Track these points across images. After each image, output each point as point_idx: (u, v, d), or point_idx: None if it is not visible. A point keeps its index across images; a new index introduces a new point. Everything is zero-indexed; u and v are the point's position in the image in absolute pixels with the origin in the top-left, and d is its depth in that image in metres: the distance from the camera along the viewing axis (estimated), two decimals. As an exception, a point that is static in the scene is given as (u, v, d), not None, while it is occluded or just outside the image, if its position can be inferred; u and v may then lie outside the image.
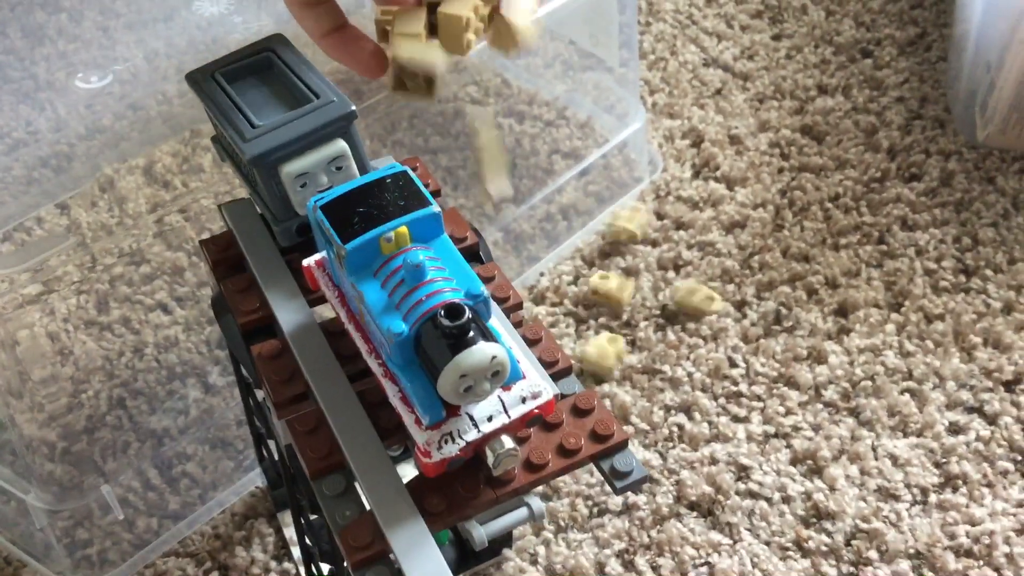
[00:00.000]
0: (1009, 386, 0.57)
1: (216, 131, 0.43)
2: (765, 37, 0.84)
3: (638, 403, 0.57)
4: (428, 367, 0.30)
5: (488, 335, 0.30)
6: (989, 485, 0.53)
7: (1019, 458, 0.54)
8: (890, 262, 0.64)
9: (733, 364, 0.59)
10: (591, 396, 0.35)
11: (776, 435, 0.55)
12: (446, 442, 0.31)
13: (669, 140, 0.75)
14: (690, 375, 0.58)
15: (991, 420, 0.55)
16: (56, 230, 0.69)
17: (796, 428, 0.56)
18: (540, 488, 0.54)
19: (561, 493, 0.53)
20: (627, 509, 0.52)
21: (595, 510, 0.53)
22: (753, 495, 0.53)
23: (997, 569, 0.49)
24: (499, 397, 0.32)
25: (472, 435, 0.31)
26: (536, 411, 0.32)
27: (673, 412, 0.57)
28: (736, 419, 0.56)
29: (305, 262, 0.37)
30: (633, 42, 0.70)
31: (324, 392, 0.35)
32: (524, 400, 0.32)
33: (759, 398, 0.57)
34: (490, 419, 0.32)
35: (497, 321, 0.34)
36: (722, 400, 0.57)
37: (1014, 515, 0.51)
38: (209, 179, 0.72)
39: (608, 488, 0.53)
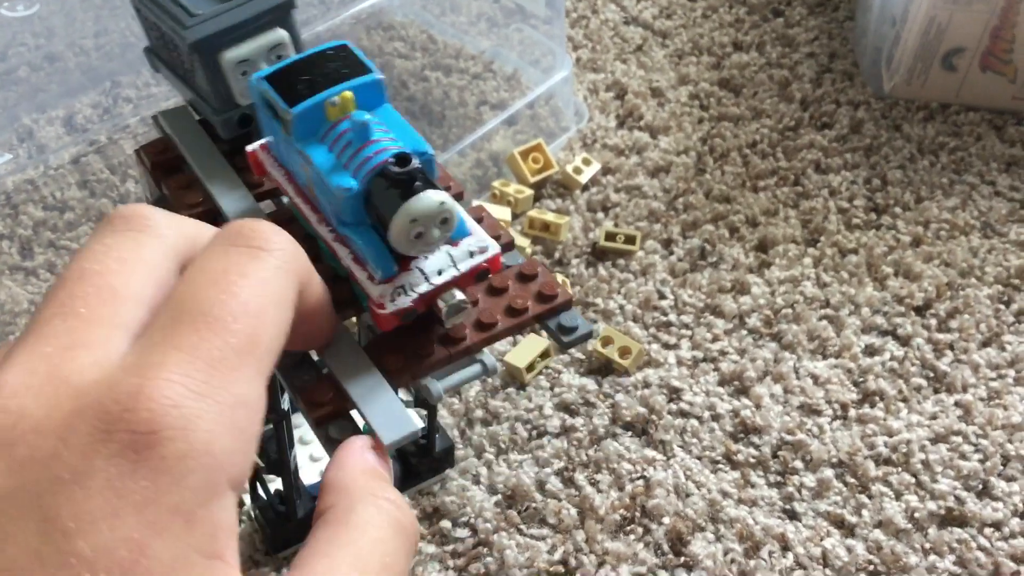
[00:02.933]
0: (919, 311, 0.60)
1: (149, 37, 0.43)
2: (682, -2, 0.87)
3: (572, 333, 0.58)
4: (379, 219, 0.31)
5: (436, 185, 0.31)
6: (904, 400, 0.56)
7: (931, 375, 0.57)
8: (805, 202, 0.67)
9: (662, 296, 0.61)
10: (534, 264, 0.37)
11: (704, 359, 0.58)
12: (399, 295, 0.32)
13: (594, 92, 0.77)
14: (622, 307, 0.60)
15: (904, 342, 0.59)
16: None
17: (723, 352, 0.58)
18: (480, 413, 0.55)
19: (501, 419, 0.54)
20: (565, 431, 0.54)
21: (534, 433, 0.54)
22: (684, 414, 0.55)
23: (915, 474, 0.52)
24: (448, 253, 0.33)
25: (424, 287, 0.32)
26: (484, 265, 0.34)
27: (606, 341, 0.58)
28: (666, 346, 0.58)
29: (249, 148, 0.37)
30: (559, -9, 0.71)
31: None
32: (472, 255, 0.33)
33: (687, 326, 0.59)
34: (440, 273, 0.33)
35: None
36: (653, 329, 0.59)
37: (928, 426, 0.54)
38: (133, 129, 0.72)
39: (546, 412, 0.55)
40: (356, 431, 0.32)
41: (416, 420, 0.31)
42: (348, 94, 0.33)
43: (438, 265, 0.33)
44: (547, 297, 0.36)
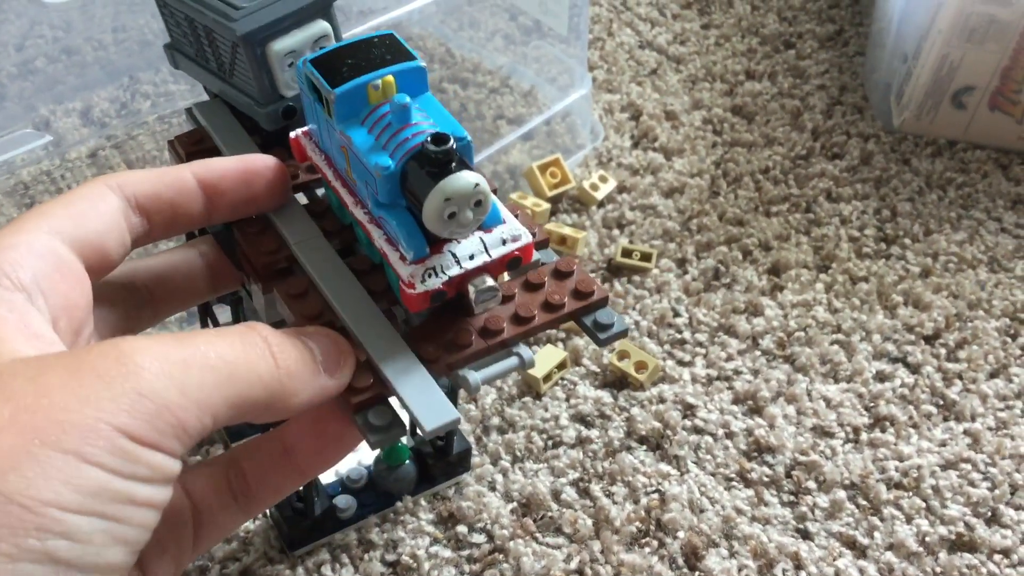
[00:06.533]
0: (929, 340, 0.61)
1: (171, 34, 0.43)
2: (695, 26, 0.88)
3: (589, 347, 0.59)
4: (413, 199, 0.32)
5: (471, 168, 0.31)
6: (915, 426, 0.56)
7: (941, 402, 0.58)
8: (817, 229, 0.68)
9: (677, 314, 0.61)
10: (571, 261, 0.37)
11: (718, 378, 0.58)
12: (429, 276, 0.32)
13: (609, 112, 0.77)
14: (637, 323, 0.61)
15: (914, 369, 0.59)
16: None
17: (737, 372, 0.58)
18: (496, 420, 0.55)
19: (517, 427, 0.54)
20: (580, 442, 0.54)
21: (550, 443, 0.54)
22: (699, 431, 0.55)
23: (925, 499, 0.52)
24: (480, 238, 0.33)
25: (454, 270, 0.33)
26: (516, 252, 0.34)
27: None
28: (681, 363, 0.59)
29: (292, 133, 0.38)
30: (584, 10, 0.72)
31: (312, 260, 0.36)
32: (504, 242, 0.34)
33: (701, 345, 0.60)
34: (472, 257, 0.33)
35: None
36: (667, 346, 0.60)
37: (938, 452, 0.55)
38: (151, 127, 0.71)
39: (562, 422, 0.55)
40: (395, 417, 0.32)
41: (455, 409, 0.31)
42: (390, 78, 0.33)
43: (470, 250, 0.33)
44: (583, 294, 0.36)
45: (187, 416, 0.26)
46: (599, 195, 0.68)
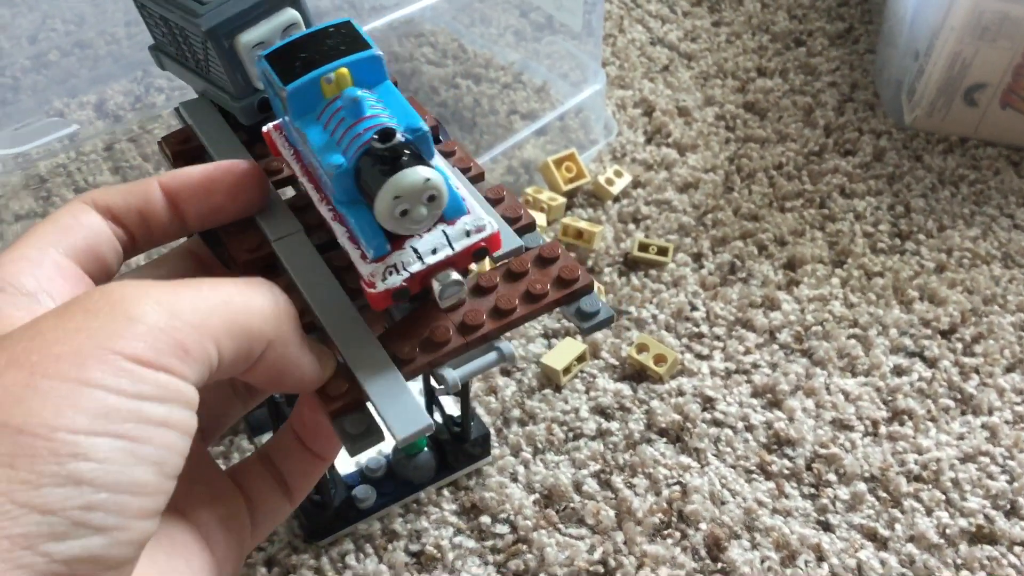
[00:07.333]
0: (945, 334, 0.61)
1: (153, 35, 0.42)
2: (706, 23, 0.88)
3: (608, 340, 0.59)
4: (367, 197, 0.31)
5: (425, 161, 0.30)
6: (933, 420, 0.56)
7: (959, 396, 0.58)
8: (832, 224, 0.68)
9: (694, 308, 0.62)
10: (555, 246, 0.35)
11: (737, 371, 0.58)
12: (390, 273, 0.31)
13: (622, 108, 0.77)
14: (655, 316, 0.61)
15: (931, 363, 0.59)
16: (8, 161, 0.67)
17: (755, 365, 0.58)
18: (516, 412, 0.55)
19: (537, 419, 0.54)
20: (601, 434, 0.54)
21: (570, 435, 0.54)
22: (718, 423, 0.55)
23: (945, 492, 0.53)
24: (443, 231, 0.32)
25: (416, 266, 0.31)
26: (481, 244, 0.32)
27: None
28: (699, 356, 0.59)
29: (264, 128, 0.37)
30: (599, 5, 0.72)
31: (291, 258, 0.35)
32: (468, 234, 0.32)
33: (719, 338, 0.60)
34: (434, 252, 0.32)
35: (447, 168, 0.34)
36: (685, 339, 0.60)
37: (957, 446, 0.55)
38: (166, 120, 0.71)
39: (582, 415, 0.55)
40: (371, 424, 0.31)
41: (428, 416, 0.30)
42: (344, 71, 0.32)
43: (432, 244, 0.32)
44: (567, 282, 0.34)
45: (184, 337, 0.25)
46: (615, 190, 0.68)
